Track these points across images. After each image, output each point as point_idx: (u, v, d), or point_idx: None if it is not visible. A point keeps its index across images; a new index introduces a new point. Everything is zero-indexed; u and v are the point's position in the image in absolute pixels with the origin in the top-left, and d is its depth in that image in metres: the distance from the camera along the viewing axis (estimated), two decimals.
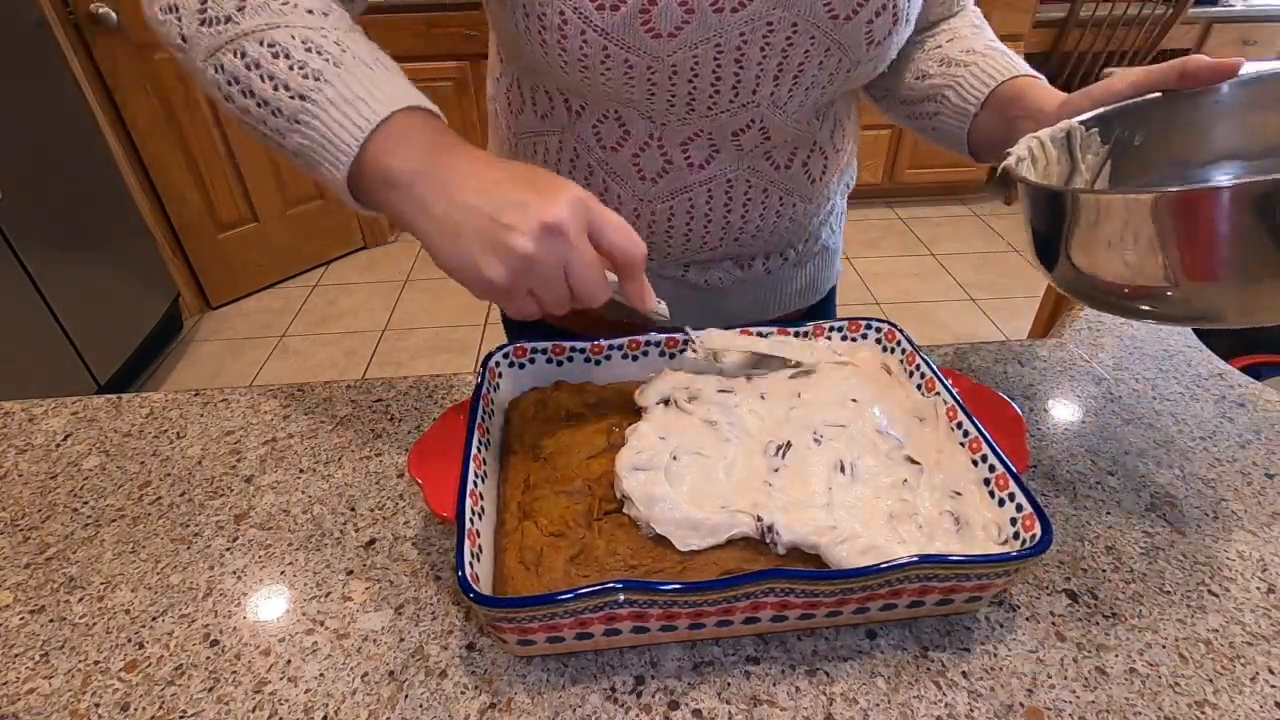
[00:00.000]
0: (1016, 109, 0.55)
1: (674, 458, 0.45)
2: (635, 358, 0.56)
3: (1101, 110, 0.50)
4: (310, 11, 0.43)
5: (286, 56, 0.41)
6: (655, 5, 0.46)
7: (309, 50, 0.41)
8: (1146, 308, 0.42)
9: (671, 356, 0.56)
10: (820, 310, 0.77)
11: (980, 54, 0.59)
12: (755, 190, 0.60)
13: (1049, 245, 0.45)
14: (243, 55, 0.42)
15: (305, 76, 0.41)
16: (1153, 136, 0.51)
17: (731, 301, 0.69)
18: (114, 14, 1.93)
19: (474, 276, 0.40)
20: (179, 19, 0.44)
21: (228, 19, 0.42)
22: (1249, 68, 0.48)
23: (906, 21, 0.53)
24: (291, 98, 0.41)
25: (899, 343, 0.56)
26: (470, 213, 0.39)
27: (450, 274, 0.41)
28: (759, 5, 0.47)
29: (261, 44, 0.41)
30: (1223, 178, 0.50)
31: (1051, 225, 0.44)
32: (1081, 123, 0.50)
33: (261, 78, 0.41)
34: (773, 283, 0.70)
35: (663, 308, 0.47)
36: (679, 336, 0.56)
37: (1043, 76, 0.57)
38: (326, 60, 0.41)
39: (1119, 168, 0.52)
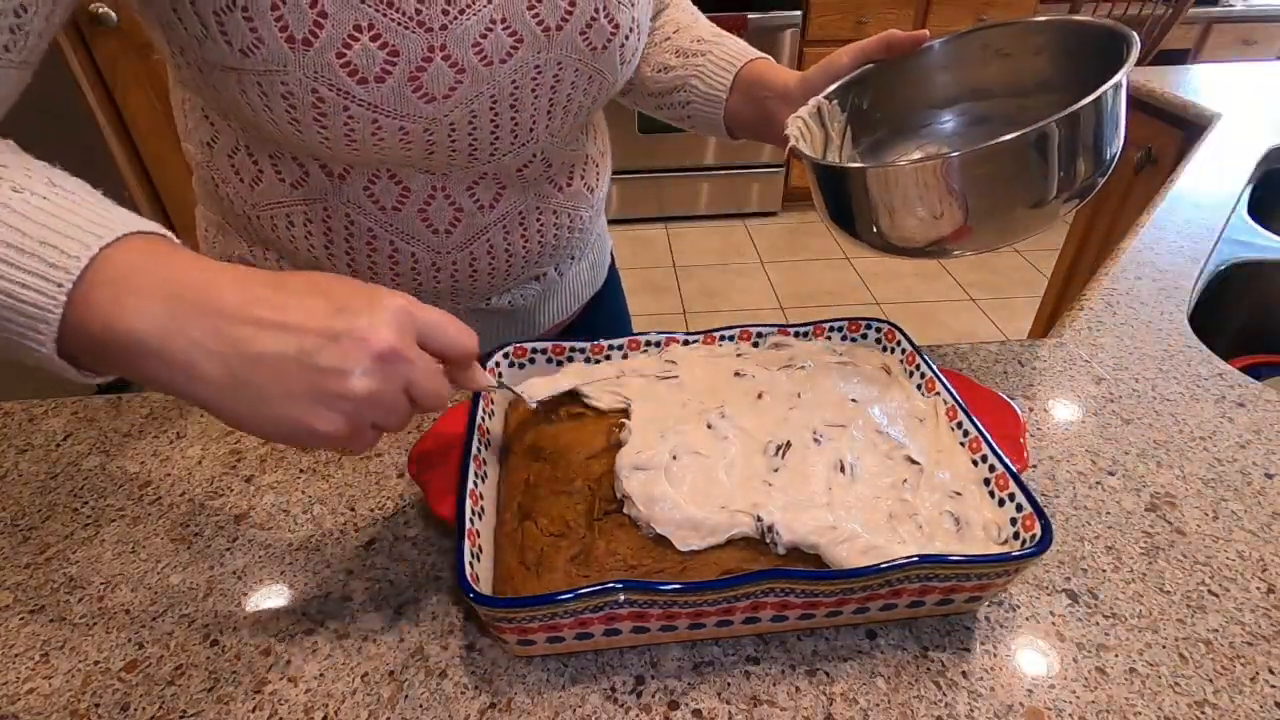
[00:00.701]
0: (762, 90, 0.62)
1: (674, 457, 0.45)
2: (635, 358, 0.56)
3: (837, 84, 0.59)
4: None
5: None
6: (424, 71, 0.44)
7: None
8: (934, 248, 0.51)
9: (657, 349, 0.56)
10: (609, 287, 0.82)
11: (711, 41, 0.65)
12: (545, 214, 0.61)
13: (843, 212, 0.53)
14: None
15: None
16: (879, 98, 0.61)
17: (535, 314, 0.71)
18: (114, 14, 1.93)
19: (304, 435, 0.33)
20: None
21: None
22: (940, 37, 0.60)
23: (647, 33, 0.57)
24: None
25: (899, 343, 0.56)
26: (271, 367, 0.32)
27: (267, 439, 0.36)
28: (524, 53, 0.48)
29: None
30: (942, 124, 0.63)
31: (842, 196, 0.53)
32: (825, 97, 0.58)
33: None
34: (565, 284, 0.72)
35: (492, 381, 0.45)
36: (653, 337, 0.56)
37: (769, 56, 0.64)
38: None
39: (855, 130, 0.62)
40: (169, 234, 0.34)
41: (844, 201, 0.53)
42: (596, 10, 0.50)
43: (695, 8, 0.71)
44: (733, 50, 0.64)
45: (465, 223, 0.57)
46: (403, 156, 0.50)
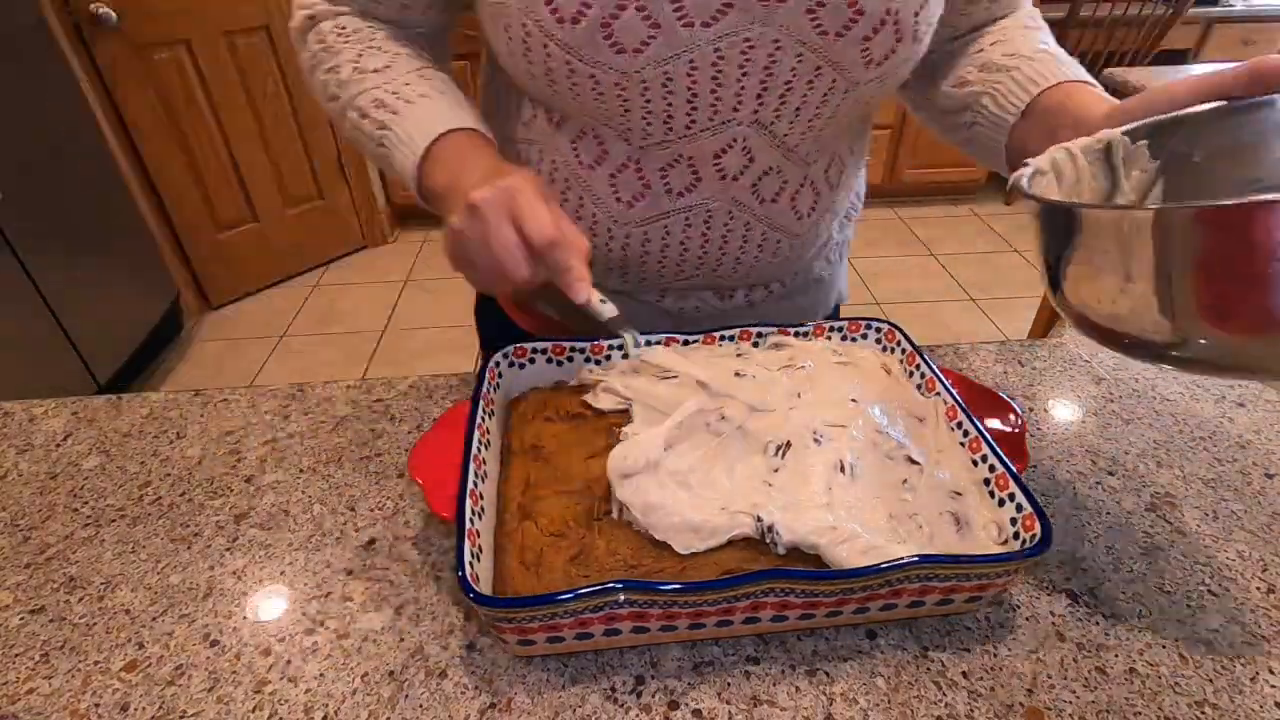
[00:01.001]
0: (1060, 118, 0.49)
1: (667, 458, 0.45)
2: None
3: (1154, 120, 0.42)
4: (376, 70, 0.54)
5: (366, 117, 0.53)
6: (617, 19, 0.44)
7: (377, 107, 0.53)
8: (1156, 351, 0.35)
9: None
10: None
11: (1026, 58, 0.53)
12: (736, 223, 0.57)
13: (1052, 272, 0.39)
14: (349, 119, 0.55)
15: (379, 128, 0.53)
16: (1217, 152, 0.41)
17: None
18: (114, 14, 1.93)
19: (446, 251, 0.48)
20: (323, 94, 0.57)
21: (335, 96, 0.55)
22: None
23: (915, 38, 0.48)
24: (377, 145, 0.54)
25: (899, 343, 0.56)
26: (444, 204, 0.49)
27: None
28: (734, 19, 0.44)
29: (355, 111, 0.54)
30: None
31: (1054, 248, 0.38)
32: (1127, 133, 0.42)
33: (362, 134, 0.54)
34: (756, 315, 0.67)
35: (608, 307, 0.49)
36: (653, 338, 0.55)
37: (1097, 83, 0.51)
38: (390, 112, 0.52)
39: (1174, 188, 0.43)
40: (468, 125, 0.52)
41: (1056, 258, 0.37)
42: None
43: (1040, 22, 0.59)
44: (1044, 69, 0.52)
45: (649, 200, 0.55)
46: (597, 109, 0.50)
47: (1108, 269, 0.35)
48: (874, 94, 0.51)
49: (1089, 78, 0.52)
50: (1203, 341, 0.33)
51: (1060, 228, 0.38)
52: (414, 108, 0.52)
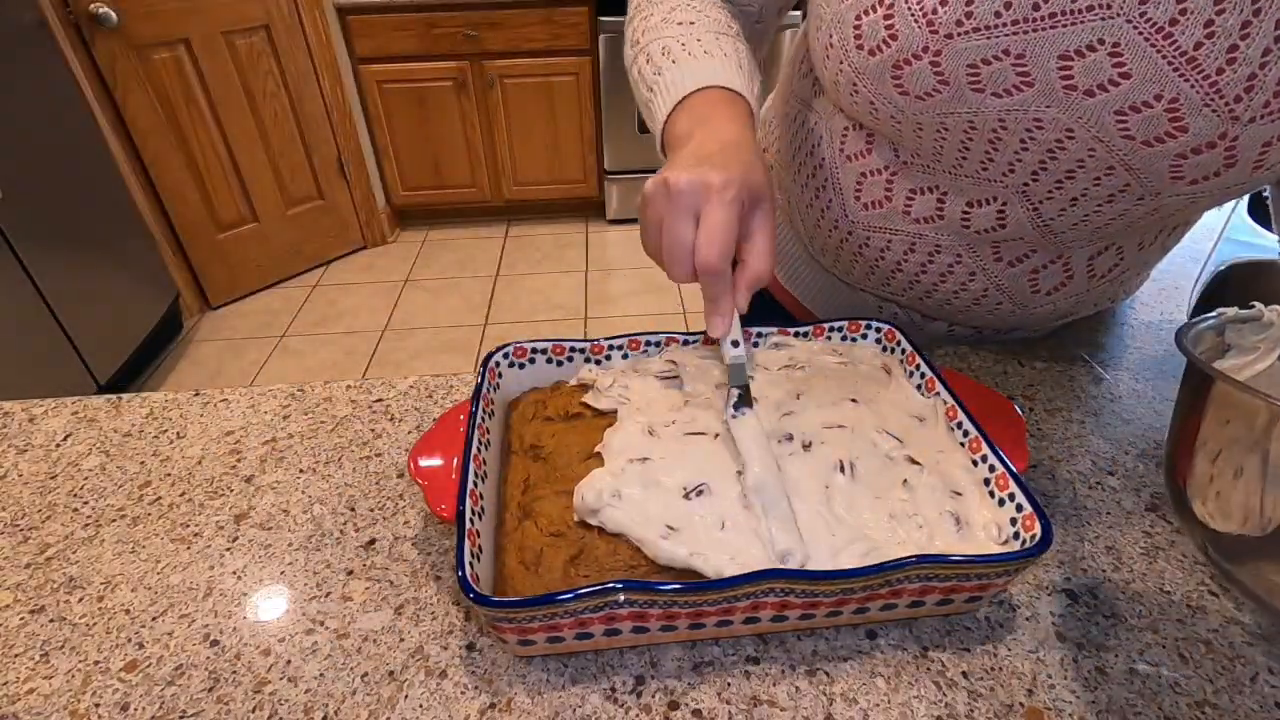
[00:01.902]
0: None
1: (647, 463, 0.45)
2: (636, 358, 0.56)
3: None
4: (680, 24, 0.55)
5: (649, 61, 0.55)
6: (909, 65, 0.44)
7: (663, 54, 0.54)
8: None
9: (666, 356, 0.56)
10: None
11: None
12: (960, 269, 0.55)
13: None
14: (637, 65, 0.57)
15: (656, 73, 0.53)
16: None
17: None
18: (114, 14, 1.94)
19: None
20: (626, 45, 0.59)
21: (636, 42, 0.57)
22: None
23: (1258, 166, 0.41)
24: (648, 90, 0.54)
25: (899, 343, 0.56)
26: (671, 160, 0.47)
27: None
28: (1028, 98, 0.42)
29: (644, 57, 0.55)
30: None
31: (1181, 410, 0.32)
32: None
33: (640, 78, 0.56)
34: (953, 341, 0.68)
35: (736, 353, 0.48)
36: (653, 337, 0.56)
37: None
38: (670, 60, 0.53)
39: None
40: (727, 85, 0.51)
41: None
42: (1157, 97, 0.39)
43: None
44: None
45: (884, 211, 0.57)
46: (871, 122, 0.52)
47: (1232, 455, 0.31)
48: (1182, 208, 0.46)
49: None
50: None
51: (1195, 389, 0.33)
52: (694, 61, 0.52)
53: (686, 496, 0.43)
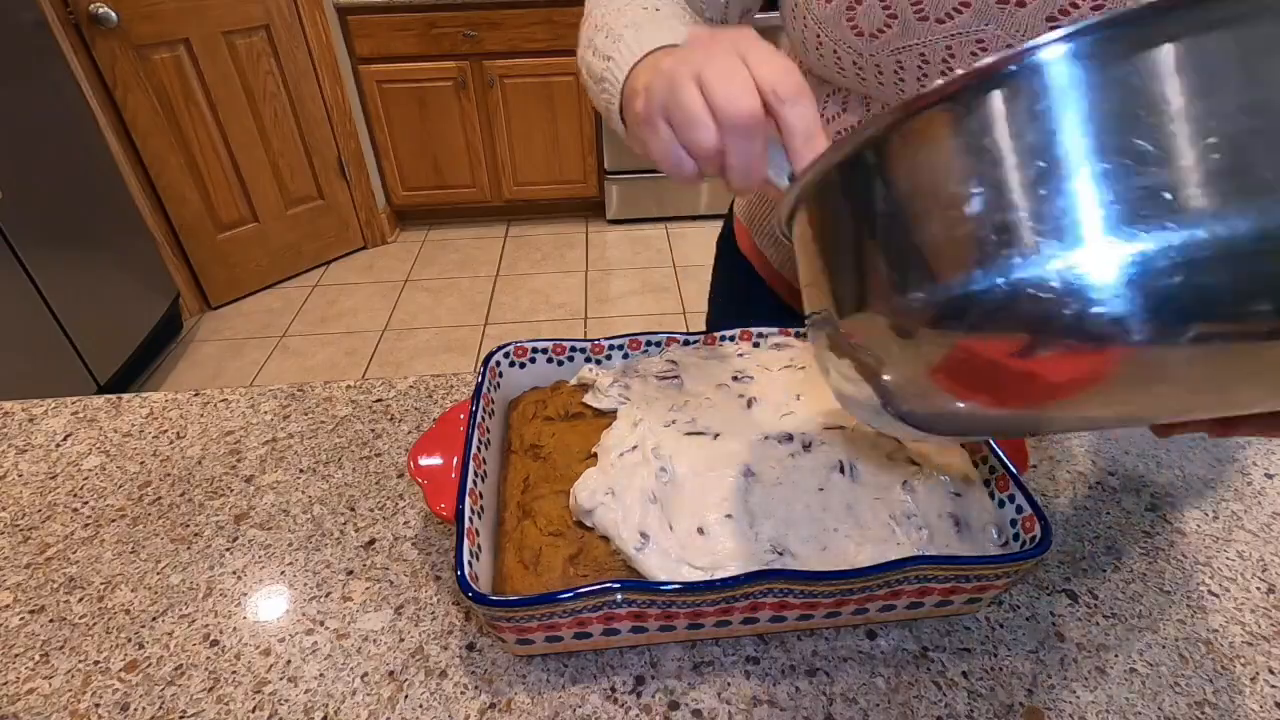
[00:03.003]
0: None
1: (662, 470, 0.45)
2: (636, 358, 0.56)
3: None
4: (644, 8, 0.49)
5: (609, 35, 0.47)
6: (860, 4, 0.46)
7: (626, 26, 0.47)
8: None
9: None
10: None
11: None
12: None
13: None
14: (590, 46, 0.50)
15: (615, 40, 0.46)
16: None
17: None
18: (114, 14, 1.93)
19: (633, 110, 0.41)
20: (581, 30, 0.53)
21: (590, 31, 0.50)
22: None
23: None
24: (603, 59, 0.47)
25: None
26: (647, 75, 0.41)
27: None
28: (968, 19, 0.44)
29: (600, 35, 0.48)
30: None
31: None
32: None
33: (594, 53, 0.48)
34: None
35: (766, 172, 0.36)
36: (653, 337, 0.56)
37: None
38: (630, 27, 0.46)
39: None
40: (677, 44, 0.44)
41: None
42: None
43: None
44: None
45: None
46: (838, 78, 0.52)
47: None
48: None
49: None
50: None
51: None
52: (662, 24, 0.46)
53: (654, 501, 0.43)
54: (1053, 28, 0.42)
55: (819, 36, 0.50)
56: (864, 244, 0.27)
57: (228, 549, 0.49)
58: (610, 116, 0.47)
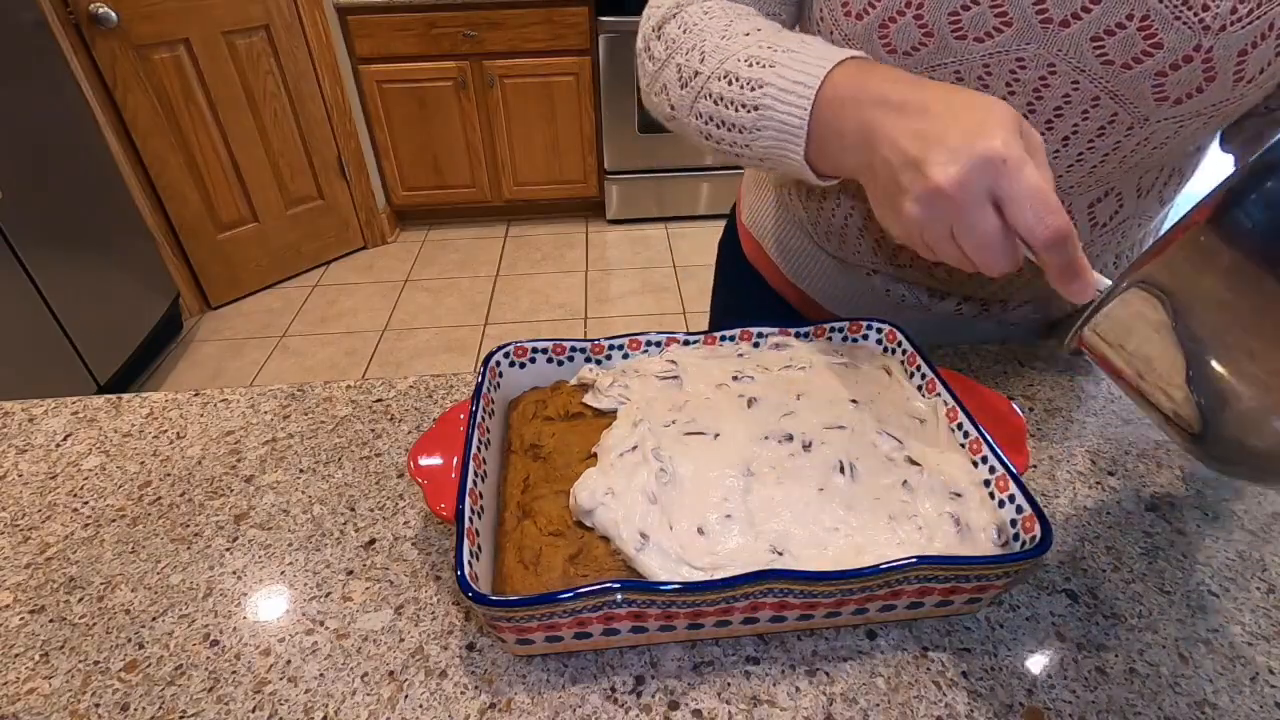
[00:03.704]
0: None
1: (662, 470, 0.45)
2: (636, 358, 0.56)
3: None
4: (746, 34, 0.46)
5: (736, 80, 0.44)
6: (894, 22, 0.45)
7: (750, 65, 0.44)
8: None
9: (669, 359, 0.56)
10: None
11: None
12: None
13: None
14: (710, 96, 0.46)
15: (752, 89, 0.43)
16: None
17: (928, 330, 0.66)
18: (114, 14, 1.93)
19: (890, 228, 0.40)
20: (667, 95, 0.50)
21: (695, 74, 0.47)
22: None
23: (1238, 79, 0.41)
24: (748, 111, 0.44)
25: (899, 343, 0.56)
26: (883, 169, 0.38)
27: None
28: (1008, 37, 0.43)
29: (721, 79, 0.46)
30: None
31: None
32: None
33: (726, 106, 0.45)
34: (961, 324, 0.66)
35: (1102, 283, 0.36)
36: (653, 337, 0.56)
37: None
38: (765, 67, 0.43)
39: None
40: (865, 55, 0.42)
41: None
42: (1129, 17, 0.40)
43: None
44: None
45: None
46: None
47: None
48: (1173, 134, 0.46)
49: None
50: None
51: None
52: (795, 54, 0.43)
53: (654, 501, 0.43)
54: (1098, 48, 0.41)
55: (852, 45, 0.49)
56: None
57: (228, 549, 0.49)
58: (784, 162, 0.44)
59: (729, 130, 0.46)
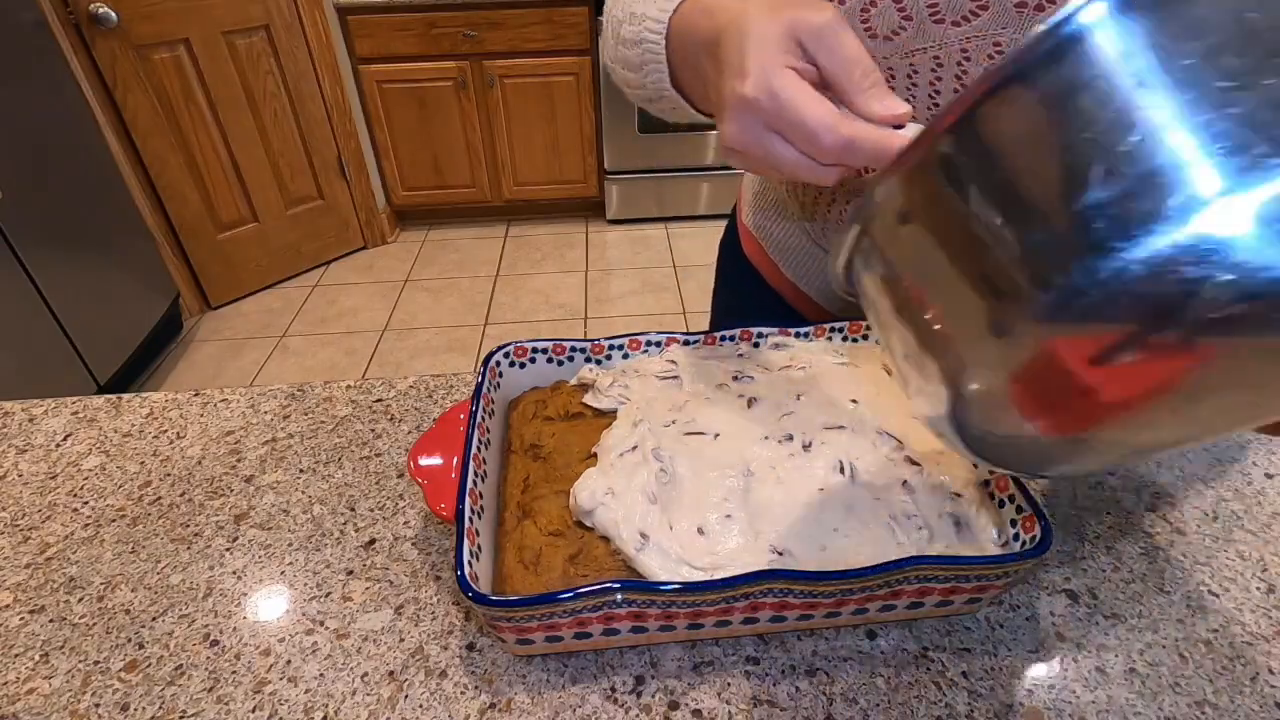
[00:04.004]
0: None
1: (662, 470, 0.45)
2: (636, 358, 0.56)
3: None
4: None
5: (633, 18, 0.46)
6: (875, 6, 0.46)
7: (643, 1, 0.45)
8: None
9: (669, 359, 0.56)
10: None
11: None
12: None
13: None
14: (620, 40, 0.47)
15: (635, 25, 0.45)
16: None
17: None
18: (114, 14, 1.93)
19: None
20: (605, 54, 0.51)
21: (614, 20, 0.49)
22: None
23: None
24: (636, 47, 0.45)
25: None
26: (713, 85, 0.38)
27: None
28: (985, 20, 0.44)
29: (625, 21, 0.47)
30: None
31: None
32: None
33: (626, 47, 0.47)
34: None
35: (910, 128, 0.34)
36: (653, 337, 0.56)
37: None
38: (649, 1, 0.44)
39: None
40: None
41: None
42: None
43: None
44: None
45: None
46: None
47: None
48: None
49: None
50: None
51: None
52: None
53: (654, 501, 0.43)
54: None
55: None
56: (968, 238, 0.25)
57: (228, 549, 0.49)
58: (660, 91, 0.45)
59: (630, 71, 0.47)
